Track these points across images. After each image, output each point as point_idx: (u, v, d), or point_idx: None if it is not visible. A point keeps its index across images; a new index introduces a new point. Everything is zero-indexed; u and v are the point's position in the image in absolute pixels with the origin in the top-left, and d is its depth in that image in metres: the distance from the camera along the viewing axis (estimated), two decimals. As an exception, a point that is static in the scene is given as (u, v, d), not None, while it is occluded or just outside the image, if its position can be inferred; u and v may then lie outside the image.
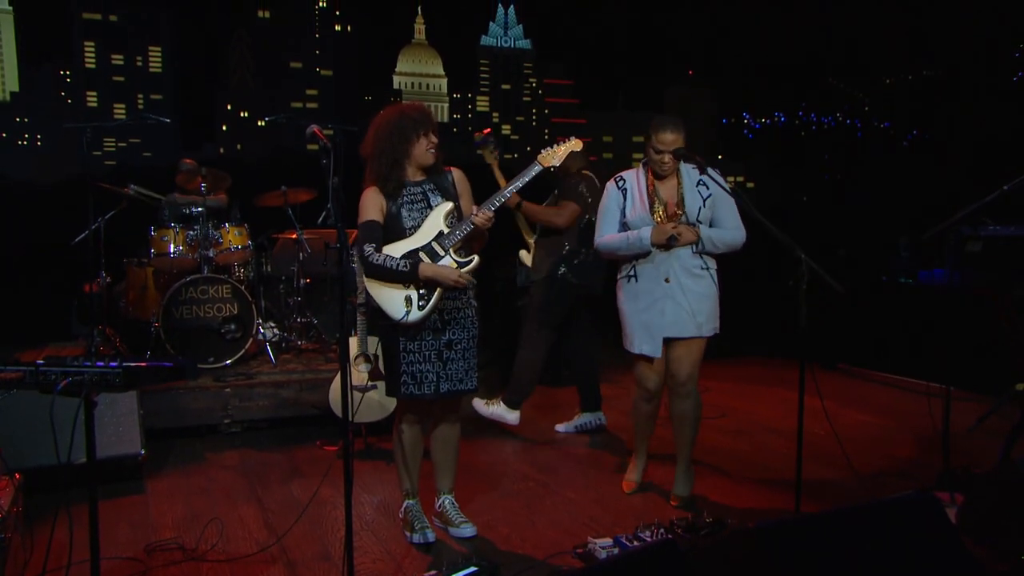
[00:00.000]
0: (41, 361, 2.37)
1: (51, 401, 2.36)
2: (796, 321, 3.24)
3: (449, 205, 3.29)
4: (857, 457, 4.15)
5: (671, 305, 3.60)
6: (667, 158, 3.59)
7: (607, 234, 3.71)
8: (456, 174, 3.42)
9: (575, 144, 3.37)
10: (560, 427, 5.13)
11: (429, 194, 3.30)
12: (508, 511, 3.76)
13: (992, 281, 5.28)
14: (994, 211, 3.74)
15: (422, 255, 3.21)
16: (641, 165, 3.77)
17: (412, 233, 3.25)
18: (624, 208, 3.68)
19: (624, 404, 5.11)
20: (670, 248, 3.57)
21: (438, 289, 3.20)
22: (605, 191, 3.80)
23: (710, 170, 3.64)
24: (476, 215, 3.20)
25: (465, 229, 3.22)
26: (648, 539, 3.14)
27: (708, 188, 3.65)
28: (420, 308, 3.19)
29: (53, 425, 2.58)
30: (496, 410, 4.96)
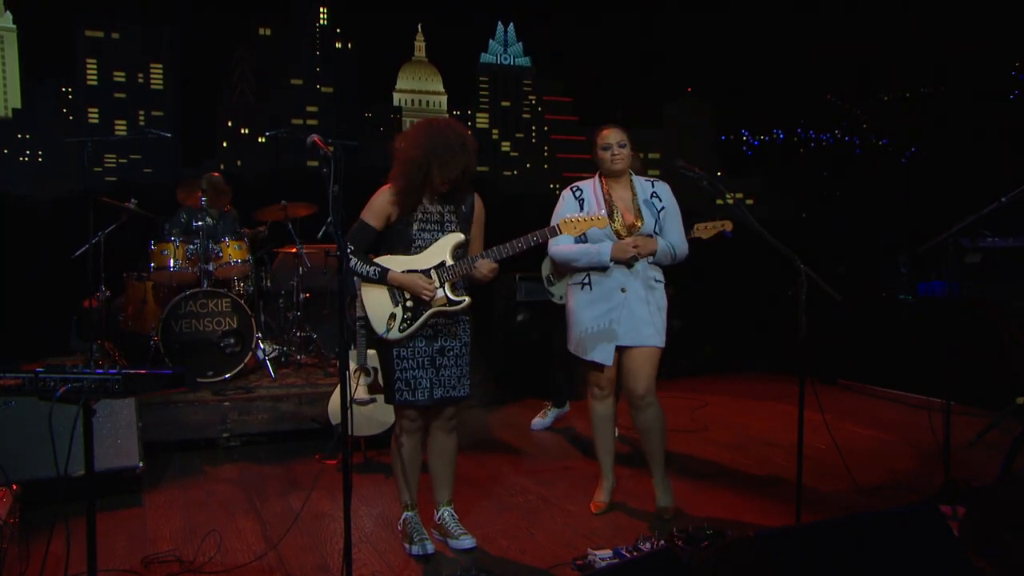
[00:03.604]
0: (40, 368, 2.37)
1: (50, 410, 2.35)
2: (795, 332, 3.24)
3: (460, 237, 3.30)
4: (858, 470, 4.14)
5: (626, 314, 3.61)
6: (615, 150, 3.62)
7: (562, 243, 3.67)
8: (476, 199, 3.42)
9: (600, 222, 3.34)
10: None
11: (446, 218, 3.31)
12: (508, 523, 3.75)
13: (991, 293, 5.29)
14: (993, 223, 3.75)
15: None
16: (596, 176, 3.78)
17: (417, 251, 3.27)
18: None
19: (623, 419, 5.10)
20: (631, 265, 3.60)
21: (424, 314, 3.22)
22: (561, 199, 3.77)
23: (658, 183, 3.74)
24: (481, 264, 3.20)
25: (464, 268, 3.23)
26: (648, 550, 3.13)
27: (661, 201, 3.71)
28: (401, 330, 3.23)
29: (52, 434, 2.57)
30: (549, 417, 5.54)
